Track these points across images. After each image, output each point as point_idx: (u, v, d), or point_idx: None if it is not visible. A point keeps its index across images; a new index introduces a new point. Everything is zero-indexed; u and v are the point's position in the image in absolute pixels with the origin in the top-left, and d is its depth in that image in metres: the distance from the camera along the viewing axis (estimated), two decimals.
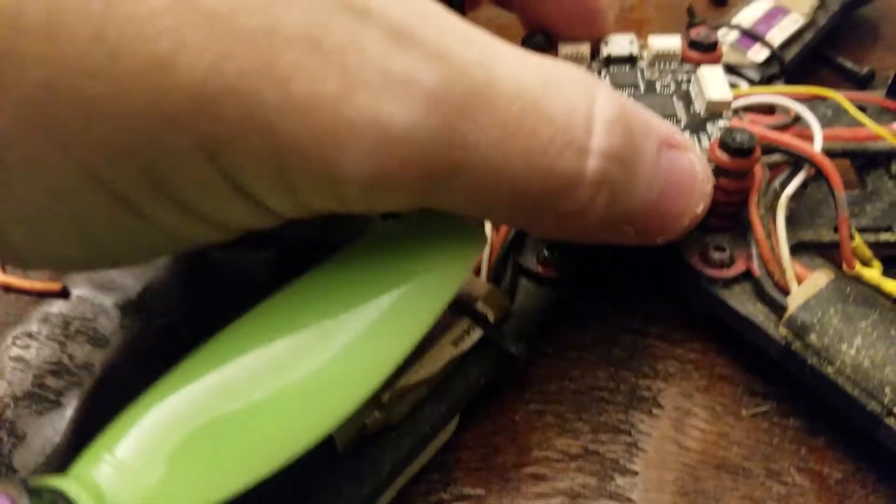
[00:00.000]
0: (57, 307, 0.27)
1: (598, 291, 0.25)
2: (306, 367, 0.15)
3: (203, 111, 0.13)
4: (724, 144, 0.21)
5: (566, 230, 0.18)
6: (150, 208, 0.14)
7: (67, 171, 0.13)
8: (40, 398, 0.24)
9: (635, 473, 0.21)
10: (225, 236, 0.16)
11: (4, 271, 0.28)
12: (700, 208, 0.19)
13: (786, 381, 0.22)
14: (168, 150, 0.13)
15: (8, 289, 0.27)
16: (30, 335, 0.26)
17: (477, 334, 0.21)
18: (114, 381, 0.24)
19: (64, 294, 0.27)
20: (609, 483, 0.21)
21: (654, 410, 0.22)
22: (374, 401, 0.19)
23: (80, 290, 0.27)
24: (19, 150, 0.13)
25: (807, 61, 0.31)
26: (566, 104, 0.16)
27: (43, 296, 0.27)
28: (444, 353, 0.20)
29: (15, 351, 0.25)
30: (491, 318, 0.21)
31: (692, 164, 0.19)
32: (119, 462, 0.14)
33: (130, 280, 0.27)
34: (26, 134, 0.12)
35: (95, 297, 0.27)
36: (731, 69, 0.27)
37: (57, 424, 0.23)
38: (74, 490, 0.14)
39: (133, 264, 0.25)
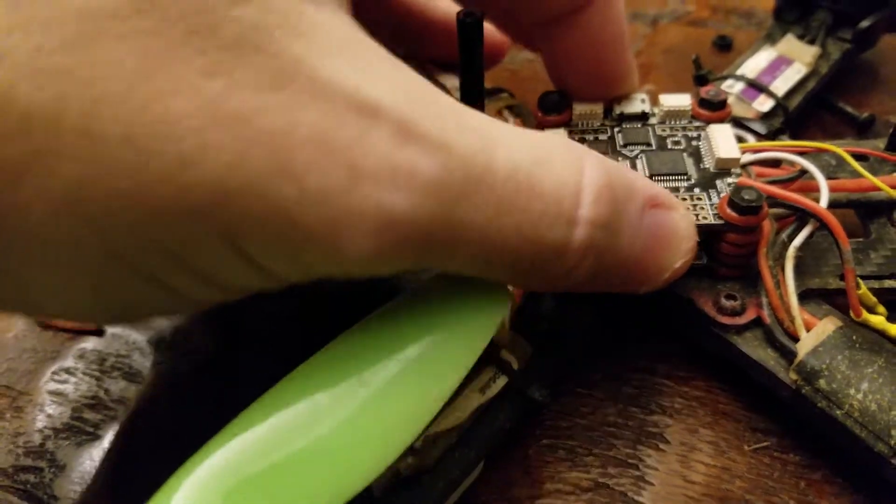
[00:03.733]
0: (92, 343, 0.28)
1: (607, 332, 0.26)
2: (350, 419, 0.17)
3: (223, 205, 0.14)
4: (733, 203, 0.22)
5: (556, 286, 0.19)
6: (170, 281, 0.15)
7: (98, 253, 0.14)
8: (79, 430, 0.26)
9: None
10: (238, 296, 0.17)
11: None
12: (679, 263, 0.21)
13: (786, 417, 0.23)
14: (191, 237, 0.14)
15: (46, 326, 0.29)
16: (67, 370, 0.27)
17: (502, 381, 0.22)
18: (148, 415, 0.26)
19: (99, 332, 0.28)
20: None
21: (662, 445, 0.23)
22: (408, 447, 0.20)
23: (114, 327, 0.28)
24: (55, 234, 0.14)
25: (810, 106, 0.32)
26: (556, 179, 0.17)
27: (79, 333, 0.29)
28: (472, 401, 0.21)
29: (53, 385, 0.27)
30: (515, 365, 0.22)
31: (674, 222, 0.20)
32: None
33: (163, 319, 0.28)
34: (62, 220, 0.14)
35: (129, 334, 0.28)
36: (737, 122, 0.28)
37: (94, 455, 0.25)
38: None
39: (148, 321, 0.27)
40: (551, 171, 0.17)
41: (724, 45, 0.38)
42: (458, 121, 0.17)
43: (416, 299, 0.19)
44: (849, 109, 0.33)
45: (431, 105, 0.16)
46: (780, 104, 0.30)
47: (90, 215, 0.14)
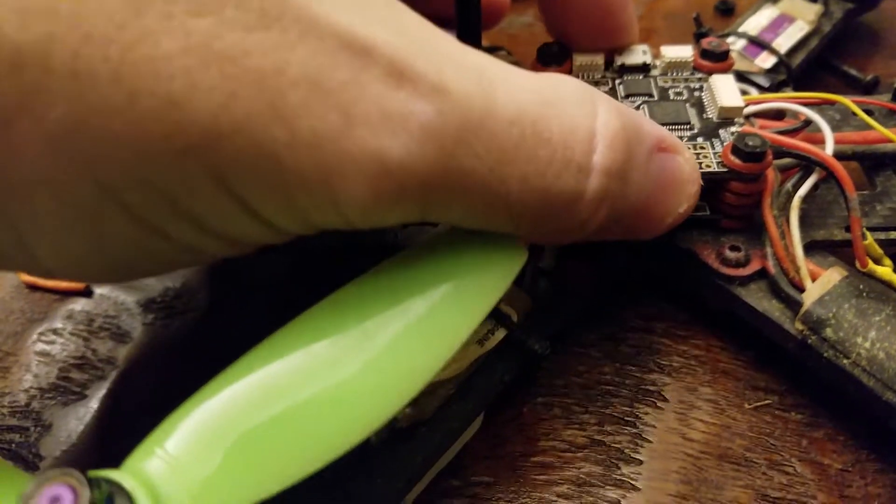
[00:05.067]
0: (81, 305, 0.28)
1: (606, 289, 0.25)
2: (353, 370, 0.16)
3: (213, 145, 0.14)
4: (736, 149, 0.21)
5: (566, 239, 0.19)
6: (167, 227, 0.15)
7: (91, 193, 0.14)
8: (65, 390, 0.25)
9: (640, 462, 0.22)
10: (239, 251, 0.17)
11: None
12: (684, 208, 0.20)
13: (788, 376, 0.23)
14: (182, 178, 0.14)
15: (33, 287, 0.28)
16: (55, 331, 0.27)
17: (501, 334, 0.21)
18: (136, 375, 0.25)
19: (87, 293, 0.28)
20: (614, 471, 0.21)
21: (659, 403, 0.23)
22: None
23: (102, 288, 0.28)
24: (48, 175, 0.14)
25: (812, 69, 0.32)
26: (566, 124, 0.16)
27: (67, 294, 0.28)
28: (471, 353, 0.21)
29: (40, 346, 0.26)
30: (514, 318, 0.22)
31: (680, 166, 0.20)
32: (170, 456, 0.15)
33: (153, 279, 0.28)
34: (55, 161, 0.13)
35: (118, 295, 0.28)
36: (741, 76, 0.28)
37: (81, 415, 0.24)
38: (129, 482, 0.14)
39: (151, 276, 0.26)
40: (561, 114, 0.16)
41: (726, 10, 0.37)
42: (458, 61, 0.16)
43: (427, 250, 0.18)
44: (853, 72, 0.33)
45: (427, 44, 0.16)
46: (783, 61, 0.29)
47: (83, 155, 0.13)
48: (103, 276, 0.19)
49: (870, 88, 0.32)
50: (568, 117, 0.17)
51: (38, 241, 0.15)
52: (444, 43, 0.16)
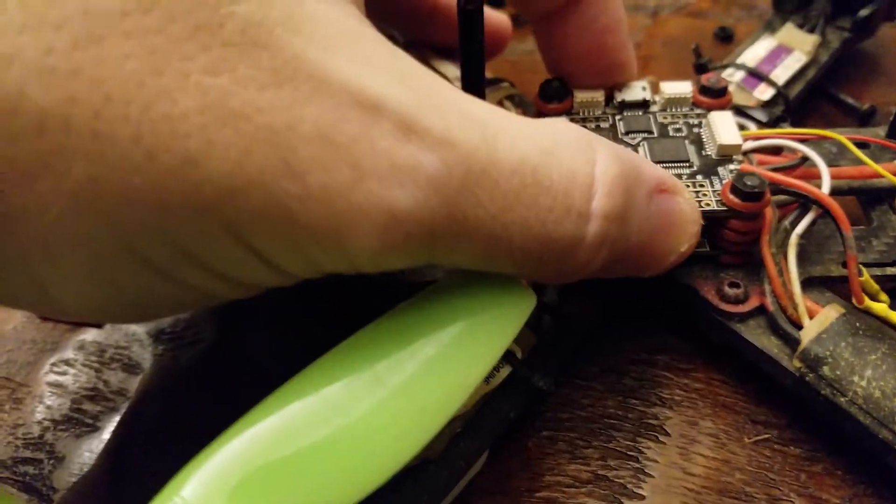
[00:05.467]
0: (91, 335, 0.28)
1: (609, 323, 0.26)
2: (369, 417, 0.17)
3: (229, 201, 0.14)
4: (735, 189, 0.22)
5: (567, 279, 0.19)
6: (183, 276, 0.16)
7: (112, 246, 0.14)
8: (78, 422, 0.26)
9: (643, 498, 0.22)
10: (250, 293, 0.17)
11: None
12: (685, 248, 0.21)
13: (787, 410, 0.23)
14: (199, 232, 0.14)
15: (46, 318, 0.29)
16: (66, 362, 0.27)
17: (506, 371, 0.22)
18: (148, 405, 0.26)
19: (98, 323, 0.28)
20: None
21: (661, 437, 0.23)
22: None
23: None
24: (71, 229, 0.14)
25: (810, 97, 0.32)
26: (565, 171, 0.17)
27: (78, 324, 0.28)
28: (477, 391, 0.21)
29: (52, 377, 0.27)
30: (518, 354, 0.22)
31: (680, 206, 0.20)
32: (186, 502, 0.15)
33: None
34: (77, 216, 0.14)
35: (129, 326, 0.28)
36: (739, 111, 0.28)
37: (94, 447, 0.25)
38: None
39: (164, 317, 0.26)
40: (560, 162, 0.17)
41: (724, 37, 0.38)
42: (461, 113, 0.16)
43: (440, 296, 0.19)
44: (850, 101, 0.33)
45: (433, 97, 0.16)
46: (781, 93, 0.30)
47: (104, 211, 0.14)
48: (119, 317, 0.20)
49: (867, 118, 0.32)
50: (567, 165, 0.17)
51: (60, 290, 0.16)
52: (449, 94, 0.17)
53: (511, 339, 0.19)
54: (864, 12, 0.32)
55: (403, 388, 0.17)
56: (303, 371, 0.17)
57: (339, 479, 0.16)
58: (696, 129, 0.25)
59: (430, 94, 0.16)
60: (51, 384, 0.27)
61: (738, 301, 0.23)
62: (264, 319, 0.28)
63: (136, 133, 0.13)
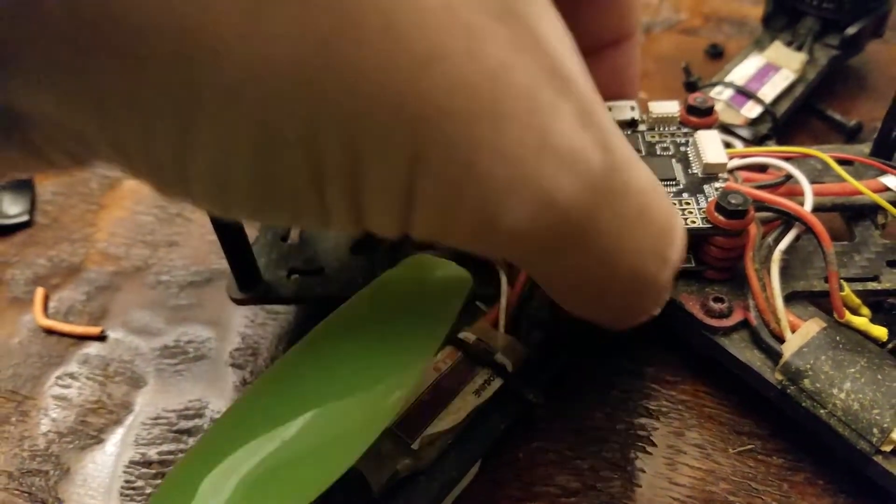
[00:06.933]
0: (95, 349, 0.29)
1: (597, 337, 0.26)
2: (329, 410, 0.18)
3: (433, 122, 0.13)
4: (720, 207, 0.23)
5: (621, 321, 0.19)
6: (327, 193, 0.14)
7: (292, 130, 0.13)
8: (83, 434, 0.26)
9: None
10: (332, 229, 0.16)
11: (46, 315, 0.30)
12: None
13: (770, 421, 0.24)
14: (385, 147, 0.13)
15: (50, 332, 0.30)
16: (71, 375, 0.28)
17: (497, 383, 0.23)
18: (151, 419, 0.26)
19: (101, 337, 0.29)
20: None
21: (649, 448, 0.24)
22: (406, 448, 0.21)
23: (117, 333, 0.29)
24: (265, 103, 0.12)
25: (798, 113, 0.33)
26: (664, 212, 0.17)
27: (82, 338, 0.29)
28: (468, 403, 0.22)
29: (57, 390, 0.28)
30: (509, 367, 0.23)
31: None
32: None
33: (164, 325, 0.29)
34: (282, 90, 0.12)
35: (132, 340, 0.29)
36: (725, 129, 0.29)
37: (98, 459, 0.26)
38: None
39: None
40: (661, 202, 0.17)
41: (715, 54, 0.39)
42: (614, 124, 0.16)
43: (384, 285, 0.20)
44: (837, 117, 0.34)
45: (597, 95, 0.15)
46: (768, 110, 0.30)
47: (326, 82, 0.12)
48: (230, 209, 0.17)
49: (853, 133, 0.33)
50: (665, 207, 0.17)
51: (199, 165, 0.14)
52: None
53: (452, 320, 0.20)
54: (851, 30, 0.33)
55: (355, 385, 0.18)
56: (263, 374, 0.19)
57: (306, 475, 0.17)
58: (682, 148, 0.26)
59: (594, 89, 0.15)
60: (56, 397, 0.27)
61: (722, 315, 0.23)
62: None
63: (387, 23, 0.12)
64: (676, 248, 0.17)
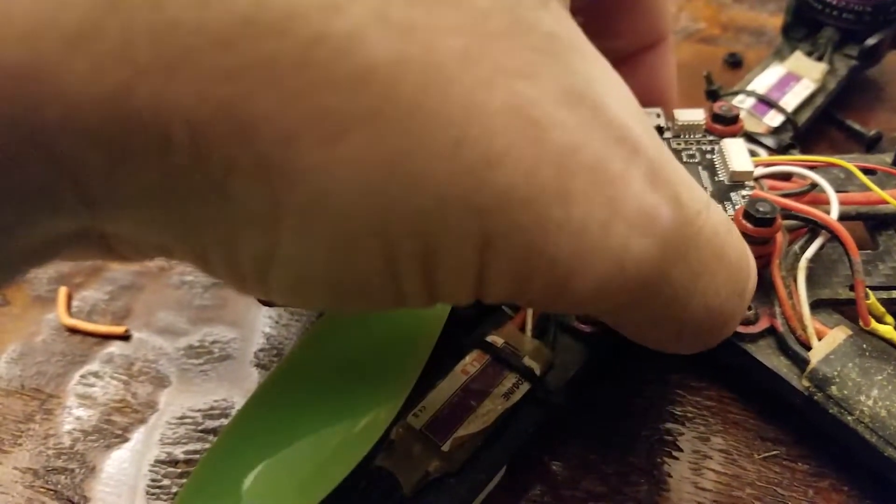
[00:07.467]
0: (119, 348, 0.29)
1: (624, 342, 0.27)
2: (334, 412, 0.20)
3: (504, 213, 0.13)
4: (748, 214, 0.23)
5: (695, 351, 0.19)
6: (400, 275, 0.14)
7: (365, 227, 0.13)
8: (108, 433, 0.26)
9: None
10: (417, 306, 0.16)
11: (70, 314, 0.30)
12: None
13: (795, 427, 0.24)
14: (456, 237, 0.13)
15: (74, 331, 0.30)
16: (95, 374, 0.28)
17: (525, 387, 0.23)
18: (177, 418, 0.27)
19: (125, 336, 0.29)
20: None
21: (675, 453, 0.24)
22: (437, 450, 0.21)
23: (141, 333, 0.29)
24: (344, 202, 0.13)
25: (818, 123, 0.33)
26: (737, 248, 0.17)
27: (106, 338, 0.29)
28: (497, 406, 0.22)
29: (81, 388, 0.28)
30: (537, 371, 0.23)
31: None
32: None
33: (187, 324, 0.29)
34: (363, 190, 0.13)
35: (155, 339, 0.29)
36: (749, 137, 0.29)
37: (123, 457, 0.26)
38: None
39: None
40: (733, 239, 0.17)
41: (734, 63, 0.39)
42: (684, 174, 0.16)
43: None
44: (856, 127, 0.34)
45: (664, 149, 0.15)
46: (790, 119, 0.31)
47: (397, 191, 0.12)
48: (307, 302, 0.18)
49: (872, 143, 0.33)
50: (739, 245, 0.17)
51: (276, 271, 0.14)
52: (674, 157, 0.16)
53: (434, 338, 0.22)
54: (871, 41, 0.33)
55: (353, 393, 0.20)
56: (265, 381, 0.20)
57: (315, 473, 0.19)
58: (708, 156, 0.26)
59: (662, 144, 0.15)
60: (80, 395, 0.27)
61: (748, 322, 0.24)
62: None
63: (451, 116, 0.12)
64: (751, 283, 0.17)
